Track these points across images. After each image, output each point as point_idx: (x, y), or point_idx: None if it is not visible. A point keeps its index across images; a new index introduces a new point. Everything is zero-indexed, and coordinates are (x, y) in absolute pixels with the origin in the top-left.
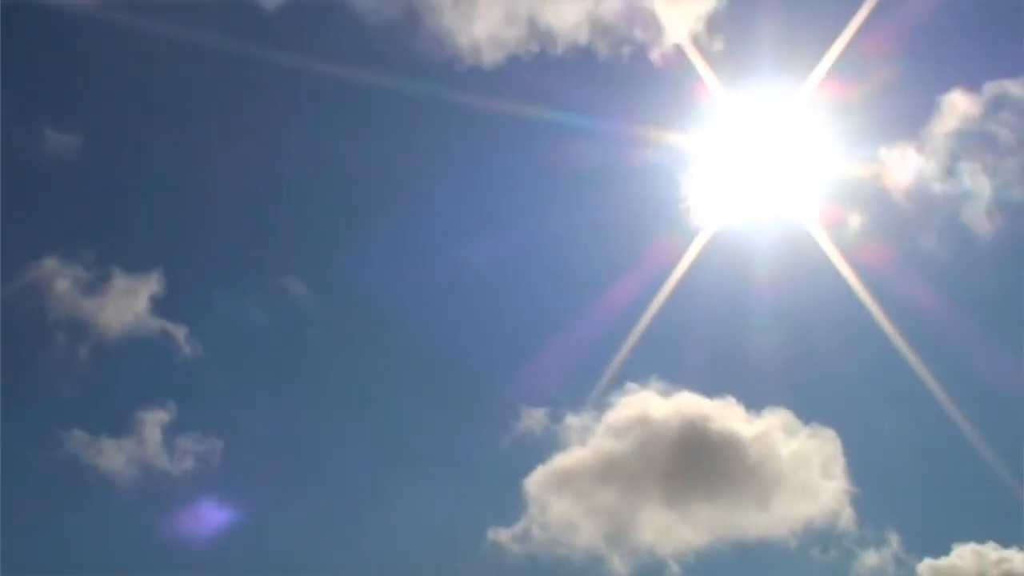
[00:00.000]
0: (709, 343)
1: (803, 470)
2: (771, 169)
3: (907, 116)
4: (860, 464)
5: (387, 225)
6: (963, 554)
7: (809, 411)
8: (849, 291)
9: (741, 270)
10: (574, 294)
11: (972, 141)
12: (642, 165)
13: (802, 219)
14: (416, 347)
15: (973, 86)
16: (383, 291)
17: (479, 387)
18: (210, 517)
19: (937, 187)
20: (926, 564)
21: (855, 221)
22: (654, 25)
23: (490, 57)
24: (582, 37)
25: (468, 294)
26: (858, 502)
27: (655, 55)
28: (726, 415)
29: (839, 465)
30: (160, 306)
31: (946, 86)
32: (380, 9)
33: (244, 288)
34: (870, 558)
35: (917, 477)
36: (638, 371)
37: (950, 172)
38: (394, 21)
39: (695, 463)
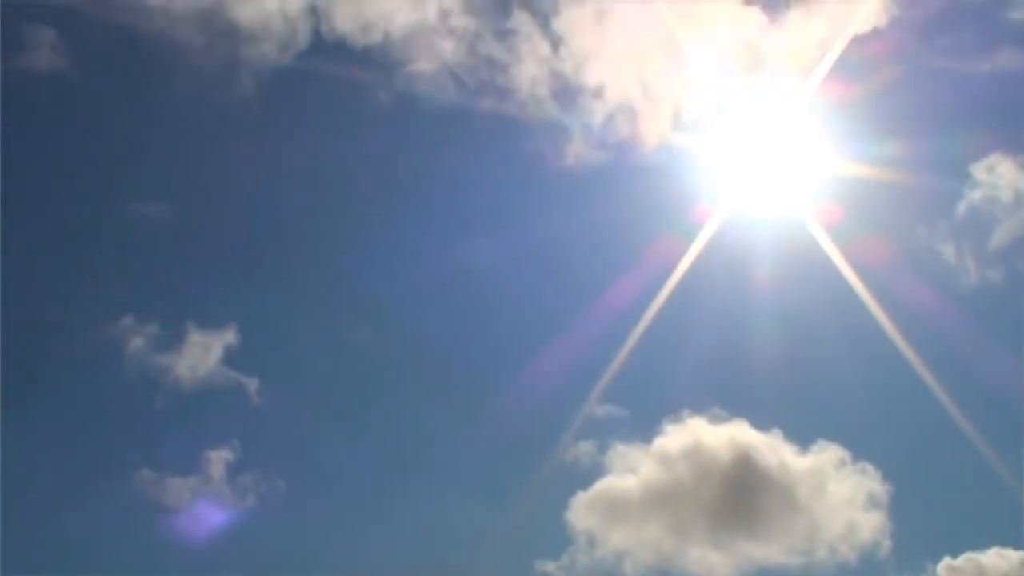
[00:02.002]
0: (748, 363)
1: (844, 503)
2: (772, 169)
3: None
4: (898, 493)
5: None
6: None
7: (843, 439)
8: (852, 293)
9: (743, 270)
10: (588, 301)
11: None
12: (643, 165)
13: (804, 219)
14: (459, 374)
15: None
16: (437, 330)
17: (526, 413)
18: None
19: None
20: (945, 564)
21: (856, 221)
22: None
23: None
24: None
25: (477, 300)
26: (896, 534)
27: None
28: (775, 448)
29: (880, 498)
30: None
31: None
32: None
33: (312, 338)
34: None
35: (949, 498)
36: (686, 398)
37: None
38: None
39: (740, 495)
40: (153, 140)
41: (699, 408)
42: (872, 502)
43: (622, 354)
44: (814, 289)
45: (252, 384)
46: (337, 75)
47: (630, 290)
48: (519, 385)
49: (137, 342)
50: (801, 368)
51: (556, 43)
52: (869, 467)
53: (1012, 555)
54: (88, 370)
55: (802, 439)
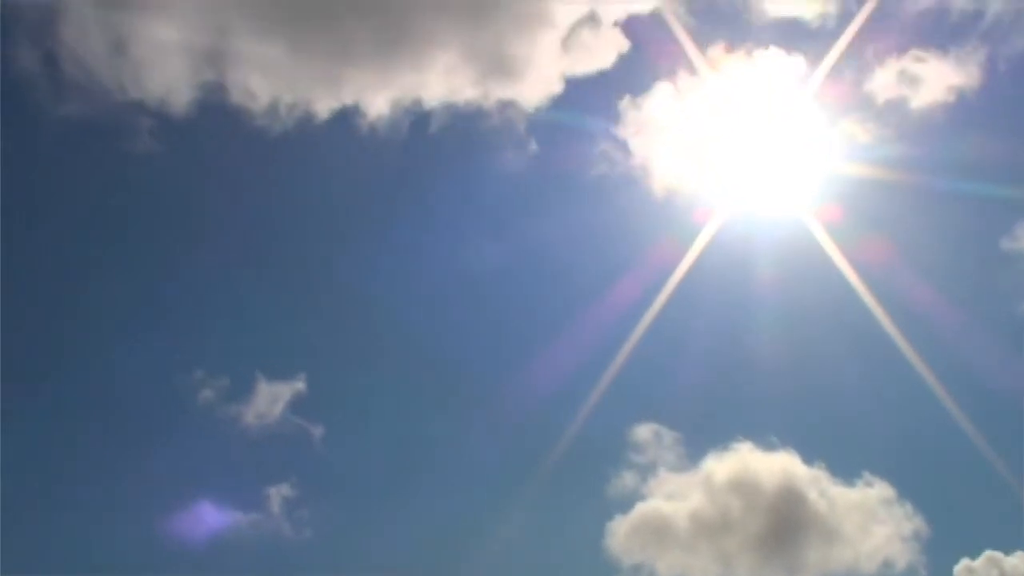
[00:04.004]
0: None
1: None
2: (773, 168)
3: None
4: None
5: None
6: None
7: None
8: (853, 294)
9: (743, 272)
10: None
11: None
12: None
13: (805, 220)
14: (507, 407)
15: None
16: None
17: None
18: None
19: None
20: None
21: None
22: None
23: None
24: None
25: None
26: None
27: None
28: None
29: (915, 526)
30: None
31: None
32: None
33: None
34: None
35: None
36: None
37: None
38: None
39: (779, 524)
40: (225, 206)
41: (700, 428)
42: (906, 531)
43: (621, 360)
44: (823, 293)
45: (318, 431)
46: (423, 158)
47: (627, 293)
48: (555, 403)
49: (207, 393)
50: (804, 376)
51: None
52: (906, 502)
53: None
54: (159, 418)
55: (808, 456)
